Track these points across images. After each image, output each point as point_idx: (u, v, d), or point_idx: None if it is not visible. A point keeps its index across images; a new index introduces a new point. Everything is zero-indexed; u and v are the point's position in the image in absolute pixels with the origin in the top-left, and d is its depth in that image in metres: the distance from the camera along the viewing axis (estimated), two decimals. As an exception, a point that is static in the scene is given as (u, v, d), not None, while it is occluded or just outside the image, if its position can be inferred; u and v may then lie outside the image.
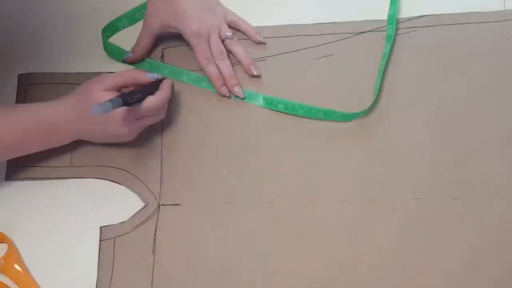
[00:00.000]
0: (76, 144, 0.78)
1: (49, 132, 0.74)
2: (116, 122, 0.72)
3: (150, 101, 0.73)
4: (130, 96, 0.71)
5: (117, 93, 0.72)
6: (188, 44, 0.81)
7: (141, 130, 0.75)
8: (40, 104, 0.74)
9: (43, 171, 0.78)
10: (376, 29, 0.81)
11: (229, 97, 0.80)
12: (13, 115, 0.72)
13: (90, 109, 0.67)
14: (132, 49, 0.83)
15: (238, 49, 0.81)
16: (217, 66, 0.80)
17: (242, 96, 0.80)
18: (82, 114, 0.72)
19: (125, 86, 0.74)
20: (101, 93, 0.71)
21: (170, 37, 0.83)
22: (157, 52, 0.84)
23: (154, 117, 0.75)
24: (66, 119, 0.73)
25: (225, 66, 0.80)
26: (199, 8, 0.79)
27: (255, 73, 0.80)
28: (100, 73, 0.82)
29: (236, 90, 0.79)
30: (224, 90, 0.80)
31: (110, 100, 0.68)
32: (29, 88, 0.83)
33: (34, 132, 0.73)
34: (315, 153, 0.76)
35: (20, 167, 0.78)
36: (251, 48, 0.82)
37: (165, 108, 0.76)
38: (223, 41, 0.81)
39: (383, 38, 0.81)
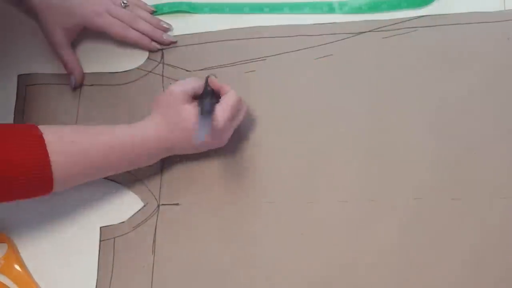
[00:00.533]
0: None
1: (142, 152, 0.72)
2: (214, 132, 0.71)
3: (226, 108, 0.72)
4: (209, 104, 0.71)
5: (195, 101, 0.73)
6: (186, 45, 0.82)
7: (231, 132, 0.74)
8: (127, 126, 0.73)
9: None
10: (376, 29, 0.81)
11: (163, 49, 0.83)
12: (103, 136, 0.71)
13: (194, 138, 0.68)
14: (68, 74, 0.82)
15: (142, 12, 0.83)
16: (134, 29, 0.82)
17: (174, 40, 0.82)
18: (174, 132, 0.72)
19: (196, 93, 0.74)
20: (186, 107, 0.71)
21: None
22: (157, 53, 0.84)
23: (238, 117, 0.74)
24: (158, 139, 0.72)
25: (142, 24, 0.82)
26: None
27: (164, 37, 0.83)
28: (102, 73, 0.82)
29: (165, 38, 0.83)
30: (154, 44, 0.83)
31: (202, 122, 0.68)
32: (29, 88, 0.83)
33: (127, 153, 0.72)
34: (315, 153, 0.76)
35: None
36: (251, 48, 0.82)
37: (242, 106, 0.74)
38: None
39: (383, 38, 0.81)
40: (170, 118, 0.72)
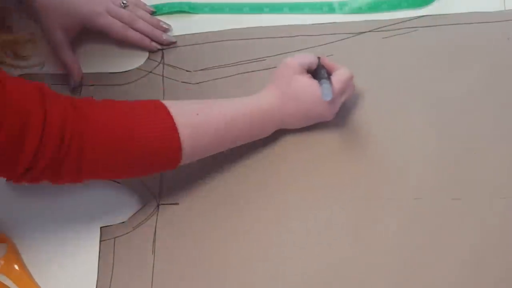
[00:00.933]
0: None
1: (259, 124, 0.73)
2: (325, 104, 0.72)
3: (338, 80, 0.73)
4: (326, 72, 0.73)
5: (309, 75, 0.74)
6: (186, 45, 0.82)
7: (339, 106, 0.75)
8: (246, 98, 0.74)
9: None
10: (376, 29, 0.81)
11: (163, 49, 0.83)
12: (225, 108, 0.71)
13: (323, 97, 0.69)
14: (67, 74, 0.82)
15: (141, 13, 0.84)
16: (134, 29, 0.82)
17: (174, 40, 0.83)
18: (287, 103, 0.73)
19: (310, 69, 0.75)
20: (300, 78, 0.73)
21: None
22: (157, 53, 0.84)
23: (347, 93, 0.74)
24: (271, 111, 0.73)
25: (141, 24, 0.82)
26: None
27: (163, 37, 0.83)
28: (102, 73, 0.82)
29: (165, 38, 0.83)
30: (154, 44, 0.83)
31: (324, 83, 0.69)
32: (29, 88, 0.83)
33: (247, 124, 0.72)
34: (315, 153, 0.76)
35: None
36: (251, 48, 0.82)
37: (352, 84, 0.75)
38: None
39: (383, 38, 0.81)
40: (283, 88, 0.73)
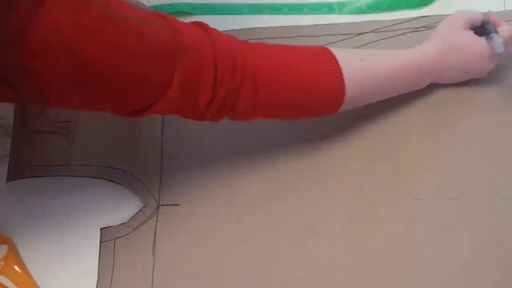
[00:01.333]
0: (75, 143, 0.78)
1: (415, 75, 0.74)
2: (487, 60, 0.74)
3: (507, 34, 0.73)
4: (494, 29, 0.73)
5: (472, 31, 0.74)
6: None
7: (495, 63, 0.76)
8: (408, 50, 0.74)
9: (43, 171, 0.78)
10: (376, 29, 0.81)
11: None
12: (388, 57, 0.72)
13: (495, 49, 0.71)
14: None
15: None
16: None
17: None
18: (448, 58, 0.73)
19: (473, 25, 0.75)
20: (467, 33, 0.73)
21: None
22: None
23: (507, 50, 0.75)
24: (429, 62, 0.73)
25: None
26: None
27: None
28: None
29: None
30: None
31: (495, 37, 0.71)
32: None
33: (407, 76, 0.73)
34: (314, 154, 0.76)
35: (22, 168, 0.78)
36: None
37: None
38: None
39: (383, 38, 0.81)
40: (446, 43, 0.73)
